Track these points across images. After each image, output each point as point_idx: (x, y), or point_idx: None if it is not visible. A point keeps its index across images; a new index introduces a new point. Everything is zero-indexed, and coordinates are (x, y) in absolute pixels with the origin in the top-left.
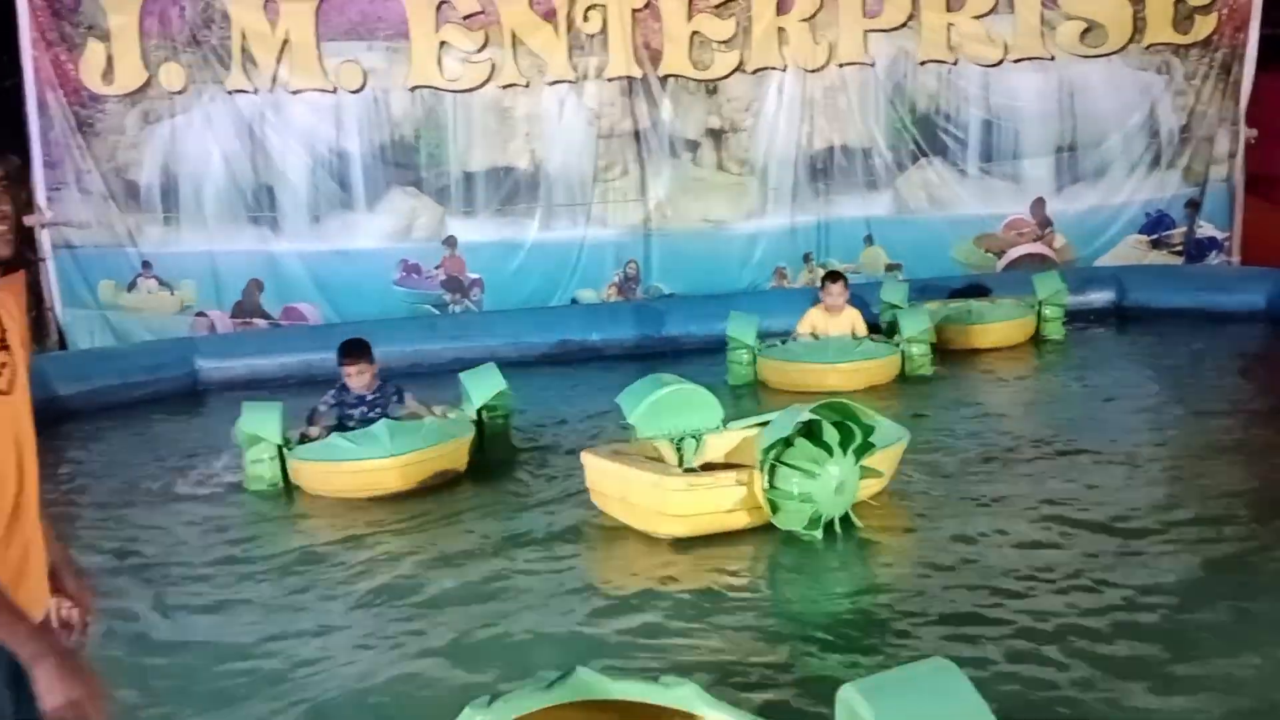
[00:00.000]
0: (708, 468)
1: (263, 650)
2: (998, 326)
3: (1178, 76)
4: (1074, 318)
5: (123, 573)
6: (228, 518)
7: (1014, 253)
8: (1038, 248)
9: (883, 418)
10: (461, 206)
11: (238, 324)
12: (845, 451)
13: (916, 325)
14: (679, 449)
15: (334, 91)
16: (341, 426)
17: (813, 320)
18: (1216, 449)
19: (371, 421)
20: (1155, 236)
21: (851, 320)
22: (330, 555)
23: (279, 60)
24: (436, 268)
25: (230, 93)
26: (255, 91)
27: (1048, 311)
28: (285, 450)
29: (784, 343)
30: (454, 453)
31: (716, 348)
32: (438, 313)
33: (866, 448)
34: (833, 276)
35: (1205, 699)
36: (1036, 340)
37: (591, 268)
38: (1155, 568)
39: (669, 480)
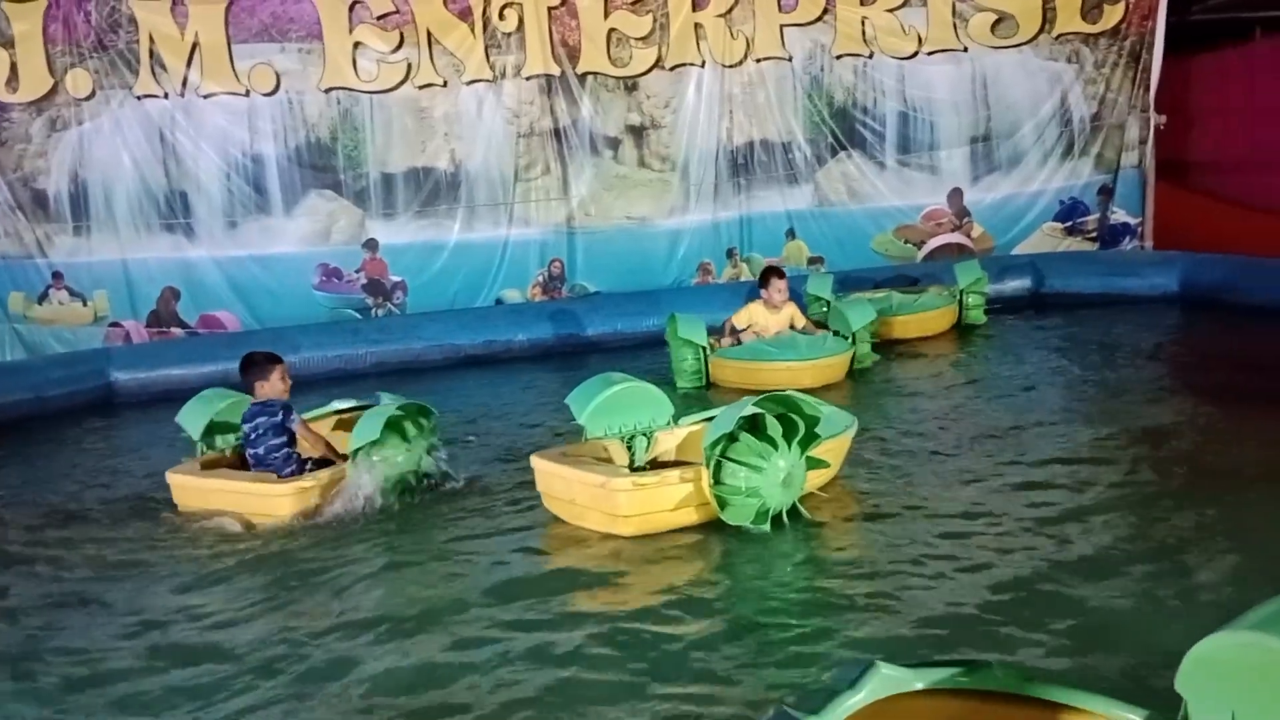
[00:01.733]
0: (660, 465)
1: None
2: (920, 316)
3: (1088, 65)
4: (993, 305)
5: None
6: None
7: (933, 243)
8: (956, 237)
9: (829, 406)
10: (381, 208)
11: (153, 334)
12: (790, 444)
13: (863, 318)
14: (630, 447)
15: (247, 94)
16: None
17: (752, 315)
18: (1141, 430)
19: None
20: (1070, 224)
21: (790, 315)
22: (239, 571)
23: (189, 64)
24: (357, 271)
25: (139, 98)
26: (165, 96)
27: (969, 300)
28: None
29: (720, 340)
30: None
31: (643, 344)
32: (360, 317)
33: (811, 438)
34: (775, 272)
35: (1128, 671)
36: (959, 328)
37: (515, 267)
38: (1093, 544)
39: (615, 481)
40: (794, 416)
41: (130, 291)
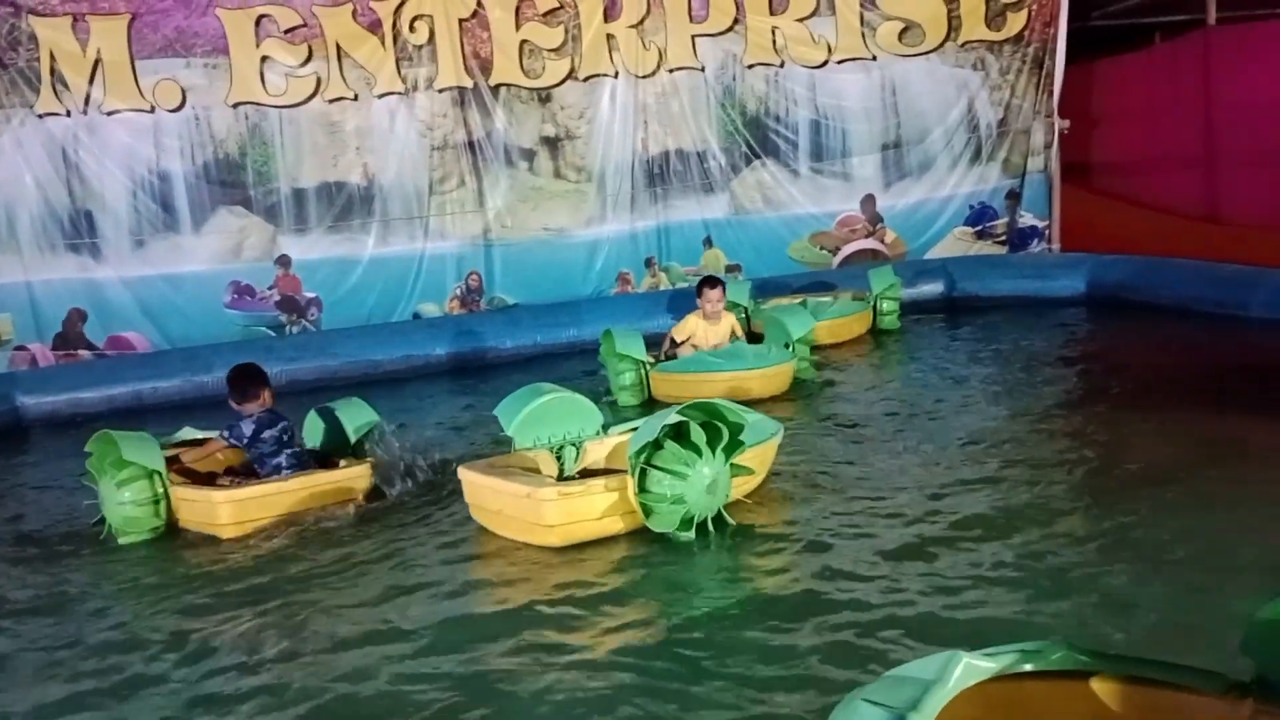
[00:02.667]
0: (590, 475)
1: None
2: (835, 322)
3: (993, 72)
4: (908, 310)
5: None
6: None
7: (848, 249)
8: (870, 243)
9: (755, 414)
10: (293, 224)
11: (60, 356)
12: (714, 451)
13: (802, 327)
14: (559, 457)
15: (152, 111)
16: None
17: (692, 328)
18: (1056, 430)
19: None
20: (980, 228)
21: (731, 325)
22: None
23: (91, 81)
24: (270, 288)
25: (41, 116)
26: (68, 114)
27: (884, 305)
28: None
29: (661, 355)
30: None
31: (564, 355)
32: (274, 335)
33: (736, 445)
34: (709, 282)
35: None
36: (874, 333)
37: (432, 281)
38: (1010, 544)
39: (540, 491)
40: (718, 424)
41: (35, 314)
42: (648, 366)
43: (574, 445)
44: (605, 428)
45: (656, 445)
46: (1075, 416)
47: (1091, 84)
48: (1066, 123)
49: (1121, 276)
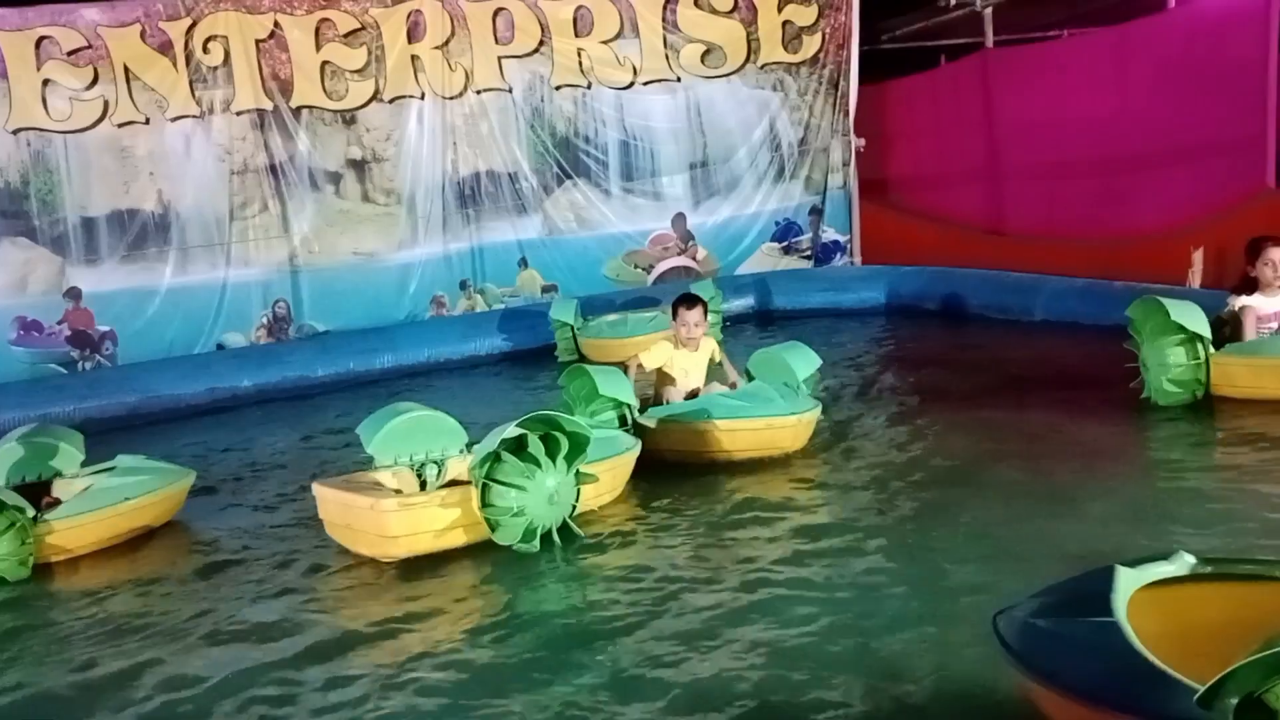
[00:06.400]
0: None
1: None
2: (654, 336)
3: (792, 93)
4: (725, 322)
5: None
6: None
7: (661, 266)
8: (683, 261)
9: (607, 430)
10: (83, 255)
11: None
12: (555, 461)
13: (809, 367)
14: (420, 474)
15: None
16: None
17: (664, 357)
18: (882, 432)
19: None
20: (786, 243)
21: (712, 353)
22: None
23: None
24: (60, 323)
25: None
26: None
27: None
28: None
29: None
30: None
31: (374, 381)
32: (65, 371)
33: (578, 454)
34: (688, 301)
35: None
36: None
37: (236, 310)
38: (851, 559)
39: (382, 503)
40: (558, 434)
41: None
42: (631, 411)
43: (435, 463)
44: (470, 446)
45: (498, 458)
46: (876, 415)
47: (884, 104)
48: (862, 141)
49: (917, 287)
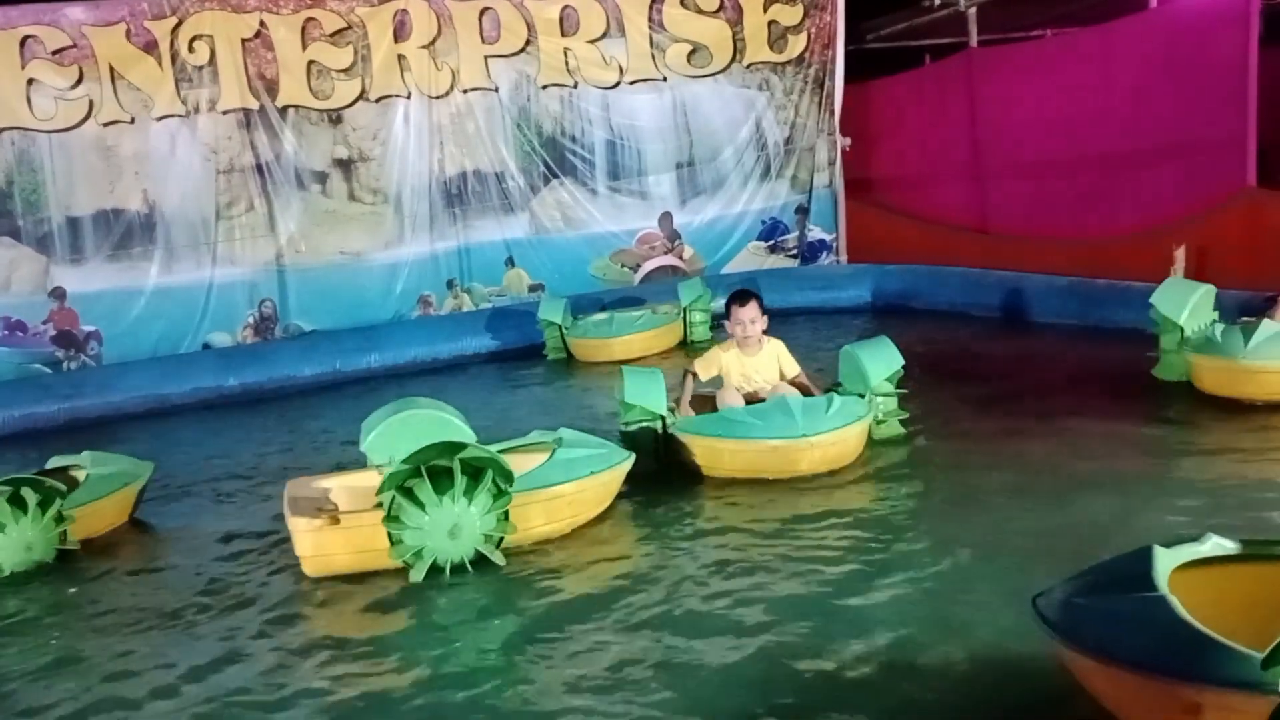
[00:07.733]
0: None
1: None
2: (643, 335)
3: (778, 92)
4: (713, 322)
5: None
6: None
7: (648, 265)
8: (670, 260)
9: (599, 443)
10: (68, 255)
11: None
12: (454, 495)
13: (888, 368)
14: None
15: None
16: None
17: (720, 363)
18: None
19: None
20: (772, 242)
21: (776, 358)
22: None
23: None
24: (44, 323)
25: None
26: None
27: (694, 317)
28: None
29: (679, 405)
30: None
31: (360, 380)
32: (50, 371)
33: (493, 481)
34: (741, 297)
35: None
36: (685, 345)
37: (223, 309)
38: (815, 566)
39: (294, 520)
40: (484, 466)
41: None
42: (665, 422)
43: None
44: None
45: (394, 496)
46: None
47: (869, 103)
48: (848, 140)
49: (902, 285)
